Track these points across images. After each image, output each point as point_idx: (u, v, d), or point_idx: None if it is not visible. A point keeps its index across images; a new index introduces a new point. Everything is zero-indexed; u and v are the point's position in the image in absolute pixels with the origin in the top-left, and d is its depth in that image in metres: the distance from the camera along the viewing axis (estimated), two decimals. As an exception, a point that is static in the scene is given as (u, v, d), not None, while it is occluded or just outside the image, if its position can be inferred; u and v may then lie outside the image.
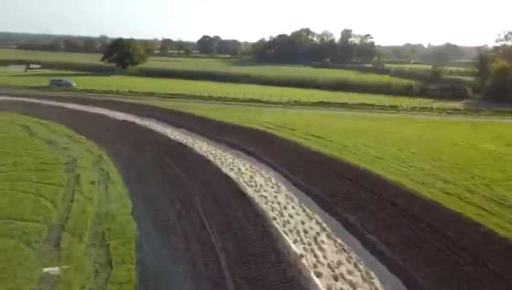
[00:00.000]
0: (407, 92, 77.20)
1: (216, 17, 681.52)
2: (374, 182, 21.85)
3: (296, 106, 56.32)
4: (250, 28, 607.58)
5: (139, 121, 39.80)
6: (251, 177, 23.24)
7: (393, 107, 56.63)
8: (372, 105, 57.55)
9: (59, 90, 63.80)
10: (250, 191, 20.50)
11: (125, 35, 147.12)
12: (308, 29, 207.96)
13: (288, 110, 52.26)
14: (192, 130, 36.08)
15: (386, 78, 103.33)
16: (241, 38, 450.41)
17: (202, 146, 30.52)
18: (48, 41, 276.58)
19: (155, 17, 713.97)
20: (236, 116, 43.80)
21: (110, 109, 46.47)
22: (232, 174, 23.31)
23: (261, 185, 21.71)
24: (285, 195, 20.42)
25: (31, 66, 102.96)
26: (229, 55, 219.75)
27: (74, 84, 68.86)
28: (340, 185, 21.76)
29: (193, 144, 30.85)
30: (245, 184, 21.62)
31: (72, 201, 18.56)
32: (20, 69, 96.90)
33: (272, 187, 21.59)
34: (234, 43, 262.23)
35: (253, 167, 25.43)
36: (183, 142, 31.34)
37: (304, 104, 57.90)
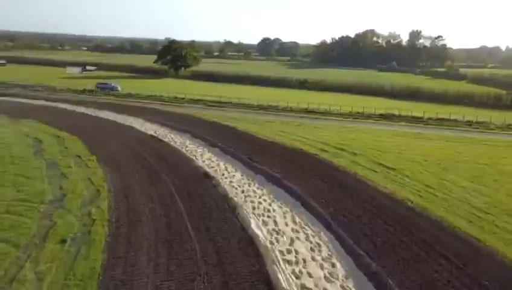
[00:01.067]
0: (495, 103, 64.85)
1: (277, 19, 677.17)
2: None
3: (359, 119, 47.59)
4: (312, 30, 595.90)
5: (170, 137, 33.71)
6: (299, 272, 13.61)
7: (483, 124, 45.87)
8: (455, 120, 47.17)
9: (102, 94, 60.32)
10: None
11: (189, 37, 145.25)
12: (373, 30, 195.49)
13: (349, 124, 43.75)
14: (228, 151, 29.18)
15: (464, 85, 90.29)
16: (302, 40, 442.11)
17: (233, 177, 23.46)
18: (116, 43, 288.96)
19: (218, 19, 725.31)
20: (286, 132, 36.41)
21: (144, 118, 41.21)
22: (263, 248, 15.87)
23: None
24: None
25: (87, 67, 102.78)
26: (288, 58, 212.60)
27: (119, 88, 65.32)
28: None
29: (221, 174, 23.90)
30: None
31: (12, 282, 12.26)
32: (76, 70, 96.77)
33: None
34: (294, 45, 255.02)
35: (301, 229, 16.79)
36: (209, 171, 24.45)
37: (368, 117, 48.96)
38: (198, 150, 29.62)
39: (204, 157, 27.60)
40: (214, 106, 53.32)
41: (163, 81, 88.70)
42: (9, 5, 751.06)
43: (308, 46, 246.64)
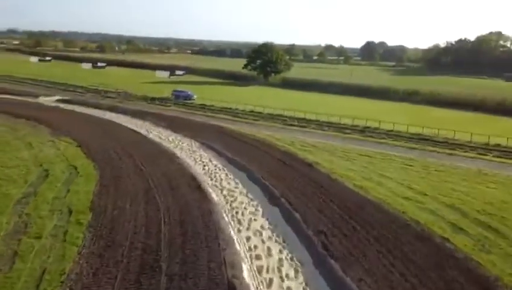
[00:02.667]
0: None
1: (382, 21, 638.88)
2: None
3: (501, 156, 32.57)
4: (422, 32, 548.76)
5: (222, 181, 23.91)
6: None
7: None
8: None
9: (172, 104, 53.47)
10: None
11: (291, 41, 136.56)
12: (499, 32, 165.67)
13: (491, 167, 29.36)
14: (290, 217, 18.25)
15: None
16: (410, 44, 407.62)
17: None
18: (218, 47, 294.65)
19: (318, 22, 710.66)
20: (386, 180, 24.11)
21: (201, 142, 32.35)
22: None
23: None
24: None
25: (176, 72, 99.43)
26: (393, 63, 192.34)
27: (195, 97, 58.14)
28: None
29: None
30: None
31: None
32: (164, 75, 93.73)
33: None
34: (401, 49, 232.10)
35: None
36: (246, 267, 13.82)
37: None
38: (247, 209, 19.17)
39: (247, 239, 16.75)
40: (295, 125, 42.50)
41: (249, 88, 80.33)
42: (127, 11, 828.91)
43: (416, 51, 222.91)
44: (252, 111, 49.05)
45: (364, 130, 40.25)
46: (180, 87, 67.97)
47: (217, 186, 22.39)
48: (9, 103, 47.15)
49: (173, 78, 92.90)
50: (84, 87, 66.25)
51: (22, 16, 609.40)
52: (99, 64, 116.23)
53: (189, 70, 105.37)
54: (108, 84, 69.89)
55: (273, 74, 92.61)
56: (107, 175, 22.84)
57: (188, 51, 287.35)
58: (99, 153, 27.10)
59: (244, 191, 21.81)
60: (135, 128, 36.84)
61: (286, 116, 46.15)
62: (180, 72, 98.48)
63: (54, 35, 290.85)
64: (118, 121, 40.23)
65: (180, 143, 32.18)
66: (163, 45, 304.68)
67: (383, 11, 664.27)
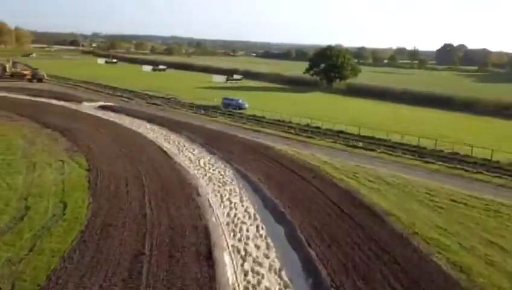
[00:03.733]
0: None
1: (462, 21, 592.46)
2: None
3: None
4: (507, 34, 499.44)
5: (245, 232, 17.12)
6: None
7: None
8: None
9: (221, 113, 47.59)
10: None
11: (359, 43, 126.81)
12: None
13: None
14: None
15: None
16: (493, 47, 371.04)
17: None
18: (283, 50, 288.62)
19: (389, 23, 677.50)
20: (501, 255, 15.67)
21: (236, 169, 25.79)
22: None
23: None
24: None
25: (235, 76, 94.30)
26: (475, 68, 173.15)
27: (246, 106, 51.89)
28: None
29: None
30: None
31: None
32: (221, 79, 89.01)
33: None
34: (483, 52, 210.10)
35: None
36: None
37: None
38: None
39: None
40: (360, 146, 34.33)
41: (309, 96, 72.54)
42: (197, 14, 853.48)
43: (501, 54, 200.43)
44: (308, 125, 41.60)
45: (452, 158, 31.04)
46: (234, 94, 62.42)
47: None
48: (47, 110, 44.19)
49: (229, 83, 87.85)
50: (134, 91, 62.95)
51: (105, 20, 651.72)
52: (160, 66, 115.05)
53: (247, 75, 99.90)
54: (160, 89, 66.21)
55: (337, 80, 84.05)
56: (96, 223, 16.92)
57: (253, 54, 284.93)
58: (105, 185, 21.48)
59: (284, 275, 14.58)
60: (165, 146, 31.14)
61: (349, 134, 38.12)
62: (238, 77, 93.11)
63: (131, 38, 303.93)
64: (150, 135, 34.89)
65: (211, 170, 25.80)
66: (230, 48, 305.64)
67: (462, 10, 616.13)
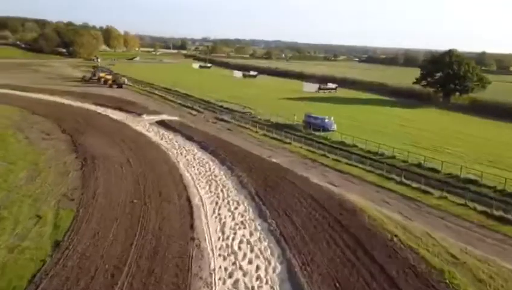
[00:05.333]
0: None
1: None
2: None
3: None
4: None
5: None
6: None
7: None
8: None
9: (298, 136, 36.90)
10: None
11: (475, 48, 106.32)
12: None
13: None
14: None
15: None
16: None
17: None
18: (389, 55, 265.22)
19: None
20: None
21: (301, 263, 15.00)
22: None
23: None
24: None
25: (329, 84, 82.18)
26: None
27: (334, 127, 40.45)
28: None
29: None
30: None
31: None
32: (312, 88, 77.85)
33: None
34: None
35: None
36: None
37: None
38: None
39: None
40: (502, 209, 20.89)
41: (421, 113, 57.78)
42: (299, 18, 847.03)
43: None
44: (419, 165, 28.81)
45: None
46: (324, 107, 51.71)
47: None
48: (96, 124, 38.27)
49: (321, 92, 76.32)
50: (209, 102, 55.46)
51: (213, 25, 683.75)
52: (251, 72, 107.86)
53: (344, 83, 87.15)
54: (241, 99, 57.93)
55: (457, 93, 67.20)
56: None
57: (356, 59, 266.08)
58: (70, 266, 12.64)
59: None
60: (194, 196, 21.69)
61: (482, 185, 24.58)
62: (332, 86, 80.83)
63: (235, 42, 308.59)
64: (188, 173, 25.86)
65: (251, 271, 15.42)
66: (331, 52, 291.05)
67: None
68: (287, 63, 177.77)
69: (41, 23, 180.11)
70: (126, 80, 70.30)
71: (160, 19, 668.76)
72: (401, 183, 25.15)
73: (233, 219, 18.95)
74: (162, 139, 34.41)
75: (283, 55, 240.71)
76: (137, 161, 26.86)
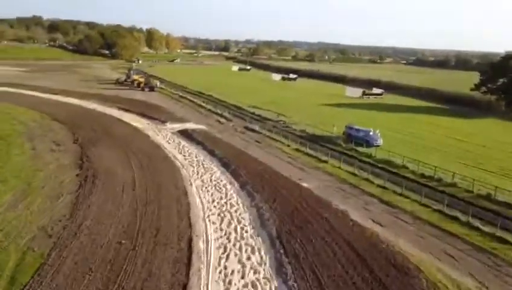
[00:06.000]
0: None
1: None
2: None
3: None
4: None
5: None
6: None
7: None
8: None
9: (336, 152, 31.75)
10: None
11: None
12: None
13: None
14: None
15: None
16: None
17: None
18: (439, 57, 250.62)
19: None
20: None
21: None
22: None
23: None
24: None
25: (374, 90, 75.61)
26: None
27: (380, 142, 34.93)
28: None
29: None
30: None
31: None
32: (355, 93, 71.71)
33: None
34: None
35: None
36: None
37: None
38: None
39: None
40: None
41: (482, 124, 50.51)
42: (343, 19, 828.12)
43: None
44: (488, 198, 22.93)
45: None
46: (369, 115, 46.30)
47: None
48: (112, 133, 35.05)
49: (366, 98, 70.09)
50: (241, 108, 51.33)
51: (256, 27, 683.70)
52: (290, 75, 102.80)
53: (391, 88, 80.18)
54: (277, 105, 53.41)
55: (524, 102, 58.95)
56: None
57: (403, 62, 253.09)
58: None
59: None
60: (199, 237, 17.35)
61: None
62: (378, 91, 74.18)
63: (278, 44, 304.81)
64: (199, 200, 21.63)
65: None
66: (376, 54, 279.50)
67: None
68: (329, 65, 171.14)
69: (92, 26, 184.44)
70: (158, 83, 67.71)
71: (206, 21, 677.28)
72: (468, 225, 19.50)
73: (243, 276, 14.38)
74: (180, 153, 30.48)
75: (326, 57, 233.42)
76: (143, 182, 22.98)
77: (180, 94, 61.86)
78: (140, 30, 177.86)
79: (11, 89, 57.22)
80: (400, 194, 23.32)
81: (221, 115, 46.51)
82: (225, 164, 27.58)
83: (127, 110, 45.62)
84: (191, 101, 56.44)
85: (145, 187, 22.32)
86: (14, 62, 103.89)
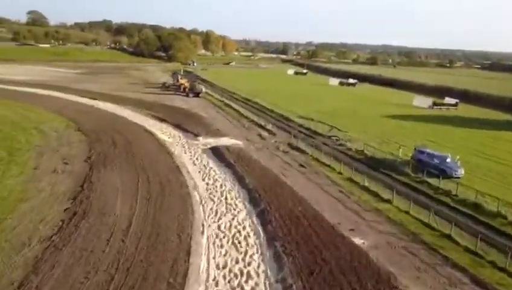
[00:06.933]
0: None
1: None
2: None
3: None
4: None
5: None
6: None
7: None
8: None
9: (408, 188, 24.36)
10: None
11: None
12: None
13: None
14: None
15: None
16: None
17: None
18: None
19: None
20: None
21: None
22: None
23: None
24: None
25: (447, 99, 65.42)
26: None
27: (461, 173, 26.90)
28: None
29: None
30: None
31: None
32: (424, 103, 62.24)
33: None
34: None
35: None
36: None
37: None
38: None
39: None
40: None
41: None
42: (408, 21, 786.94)
43: None
44: None
45: None
46: (442, 130, 38.36)
47: None
48: (138, 149, 30.15)
49: (437, 109, 60.50)
50: (290, 119, 44.99)
51: (317, 28, 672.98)
52: (349, 80, 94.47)
53: (466, 97, 69.40)
54: (331, 116, 46.47)
55: None
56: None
57: (476, 65, 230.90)
58: None
59: None
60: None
61: None
62: (452, 101, 63.95)
63: (339, 46, 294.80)
64: (207, 266, 15.68)
65: None
66: (445, 58, 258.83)
67: None
68: (394, 69, 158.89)
69: (155, 29, 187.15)
70: (204, 88, 63.23)
71: (265, 23, 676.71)
72: None
73: None
74: (204, 179, 24.87)
75: (389, 60, 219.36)
76: (140, 228, 17.49)
77: (226, 101, 56.70)
78: (198, 32, 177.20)
79: (53, 93, 55.51)
80: (500, 269, 15.70)
81: (264, 128, 40.44)
82: (254, 200, 21.45)
83: (161, 120, 41.18)
84: (234, 110, 50.94)
85: (139, 235, 16.81)
86: (72, 64, 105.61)
